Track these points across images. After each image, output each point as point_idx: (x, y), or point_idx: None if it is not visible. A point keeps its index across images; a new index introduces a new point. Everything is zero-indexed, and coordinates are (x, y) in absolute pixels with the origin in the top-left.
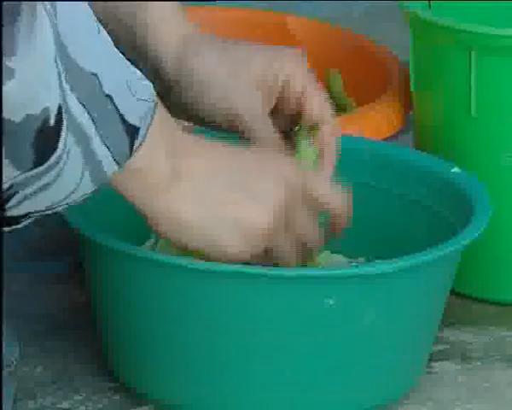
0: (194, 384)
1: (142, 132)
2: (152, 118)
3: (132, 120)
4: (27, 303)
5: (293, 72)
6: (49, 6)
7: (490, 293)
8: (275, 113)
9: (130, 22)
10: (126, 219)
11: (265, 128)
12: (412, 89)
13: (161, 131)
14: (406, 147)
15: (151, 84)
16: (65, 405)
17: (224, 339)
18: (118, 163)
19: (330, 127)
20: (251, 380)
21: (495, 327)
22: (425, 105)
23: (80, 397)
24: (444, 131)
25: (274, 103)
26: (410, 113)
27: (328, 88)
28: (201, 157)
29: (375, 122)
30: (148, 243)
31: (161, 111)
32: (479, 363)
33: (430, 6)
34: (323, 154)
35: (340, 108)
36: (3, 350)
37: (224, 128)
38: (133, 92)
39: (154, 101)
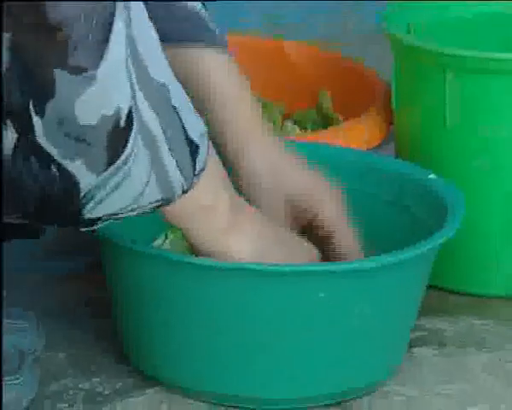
0: (196, 367)
1: (202, 152)
2: (209, 143)
3: (193, 135)
4: (47, 298)
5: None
6: (123, 15)
7: (463, 286)
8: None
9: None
10: (133, 220)
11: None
12: (394, 104)
13: (222, 173)
14: (388, 156)
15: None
16: (86, 385)
17: (226, 326)
18: (185, 178)
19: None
20: (250, 362)
21: (467, 316)
22: (405, 119)
23: (98, 379)
24: (421, 141)
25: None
26: (392, 126)
27: (319, 104)
28: (255, 215)
29: (361, 134)
30: (155, 243)
31: (214, 153)
32: (453, 348)
33: (410, 30)
34: None
35: (328, 123)
36: (29, 338)
37: None
38: (193, 111)
39: (206, 129)
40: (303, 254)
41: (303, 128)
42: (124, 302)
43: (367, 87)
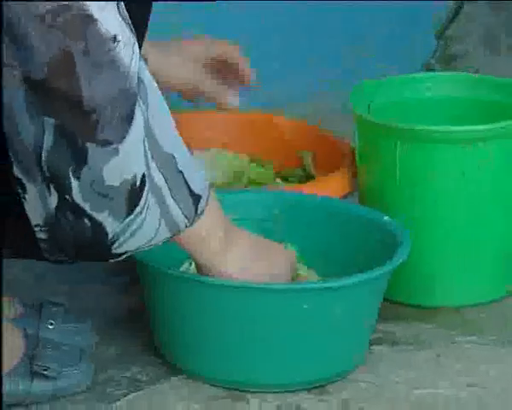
0: (210, 359)
1: (202, 201)
2: (209, 192)
3: (196, 189)
4: (101, 305)
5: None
6: (142, 102)
7: (411, 299)
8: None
9: None
10: (163, 248)
11: (207, 83)
12: (357, 164)
13: (218, 212)
14: (353, 203)
15: (203, 171)
16: (127, 374)
17: (231, 328)
18: (187, 219)
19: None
20: (251, 355)
21: (414, 322)
22: (366, 176)
23: (137, 369)
24: (378, 193)
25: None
26: (356, 180)
27: (303, 163)
28: (241, 234)
29: (334, 186)
30: (183, 267)
31: (215, 198)
32: (403, 346)
33: (369, 108)
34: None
35: (310, 177)
36: (85, 338)
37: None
38: (200, 173)
39: (208, 182)
40: (283, 259)
41: (291, 182)
42: (155, 309)
43: (338, 151)
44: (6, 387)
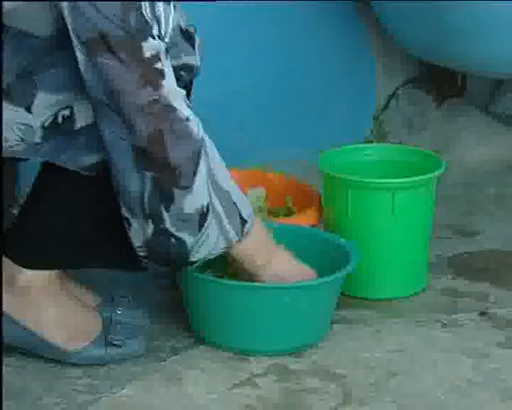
0: (223, 332)
1: (248, 224)
2: (253, 219)
3: (244, 215)
4: (152, 298)
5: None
6: (205, 155)
7: (358, 293)
8: None
9: None
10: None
11: None
12: (323, 204)
13: (262, 235)
14: (320, 230)
15: (249, 203)
16: (169, 344)
17: (242, 312)
18: (237, 236)
19: None
20: (254, 329)
21: (360, 309)
22: (328, 212)
23: (176, 340)
24: (336, 223)
25: None
26: (322, 215)
27: (285, 204)
28: (277, 253)
29: (307, 219)
30: (206, 273)
31: (260, 224)
32: (353, 325)
33: (330, 167)
34: None
35: (291, 213)
36: (142, 320)
37: None
38: (245, 201)
39: (252, 213)
40: (305, 273)
41: (276, 216)
42: (190, 301)
43: (310, 196)
44: (89, 352)
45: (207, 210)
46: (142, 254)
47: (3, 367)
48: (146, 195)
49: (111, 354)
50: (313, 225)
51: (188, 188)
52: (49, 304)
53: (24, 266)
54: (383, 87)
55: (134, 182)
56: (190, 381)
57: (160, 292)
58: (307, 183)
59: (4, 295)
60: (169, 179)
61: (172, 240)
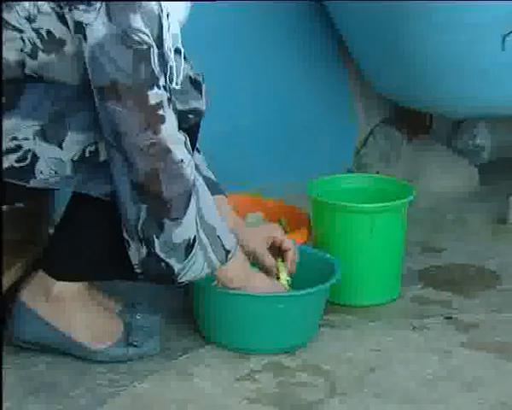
0: (226, 334)
1: (231, 254)
2: (236, 249)
3: (227, 246)
4: (165, 304)
5: (279, 235)
6: (195, 195)
7: (341, 301)
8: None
9: None
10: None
11: (268, 259)
12: (312, 225)
13: (241, 262)
14: (310, 247)
15: (235, 237)
16: (180, 344)
17: (242, 317)
18: (220, 262)
19: (292, 253)
20: (253, 331)
21: (343, 314)
22: (317, 232)
23: (186, 341)
24: (324, 241)
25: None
26: (312, 234)
27: (280, 223)
28: (253, 276)
29: (299, 237)
30: (212, 284)
31: (241, 252)
32: (337, 329)
33: (319, 193)
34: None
35: (285, 232)
36: (155, 322)
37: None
38: (230, 235)
39: (236, 244)
40: (277, 288)
41: None
42: (198, 307)
43: (301, 218)
44: (112, 351)
45: (194, 241)
46: (138, 271)
47: (38, 364)
48: (141, 222)
49: (131, 353)
50: (304, 243)
51: (178, 220)
52: (79, 310)
53: (57, 279)
54: (363, 126)
55: (132, 211)
56: (199, 376)
57: (172, 299)
58: (299, 207)
59: (41, 303)
60: (161, 211)
61: (162, 264)
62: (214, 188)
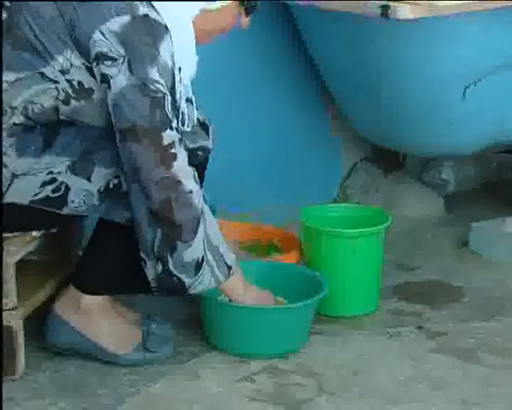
0: (228, 340)
1: (232, 269)
2: (236, 266)
3: (229, 264)
4: (176, 313)
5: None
6: (203, 219)
7: (328, 312)
8: None
9: None
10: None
11: None
12: (303, 247)
13: (239, 276)
14: (301, 266)
15: (233, 253)
16: (189, 349)
17: (243, 327)
18: (225, 278)
19: None
20: (253, 339)
21: (329, 324)
22: (307, 253)
23: (194, 347)
24: (312, 261)
25: None
26: (302, 255)
27: (275, 244)
28: (249, 288)
29: (292, 258)
30: (221, 297)
31: (239, 267)
32: (325, 336)
33: (308, 219)
34: None
35: (278, 251)
36: (168, 331)
37: None
38: (231, 253)
39: (235, 259)
40: (270, 300)
41: (268, 252)
42: (205, 317)
43: (293, 240)
44: (132, 356)
45: (202, 261)
46: (153, 285)
47: (69, 367)
48: (156, 243)
49: (147, 358)
50: (296, 263)
51: (188, 242)
52: (103, 321)
53: (85, 293)
54: (346, 163)
55: (148, 234)
56: (205, 377)
57: (182, 310)
58: (292, 232)
59: (72, 315)
60: (174, 234)
61: (175, 278)
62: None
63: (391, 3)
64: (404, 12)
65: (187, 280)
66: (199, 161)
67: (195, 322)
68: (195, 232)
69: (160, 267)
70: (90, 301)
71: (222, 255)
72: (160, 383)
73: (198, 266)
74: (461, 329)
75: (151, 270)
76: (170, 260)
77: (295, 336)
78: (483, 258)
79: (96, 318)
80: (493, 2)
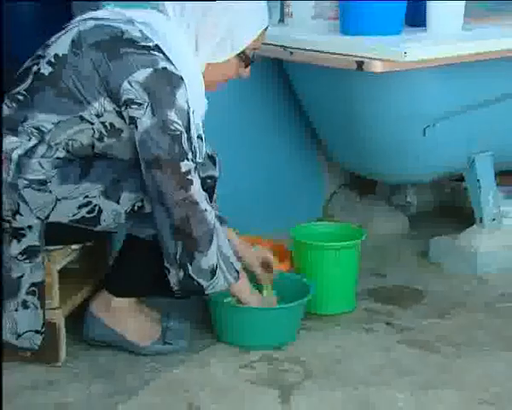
0: (235, 336)
1: (239, 273)
2: (242, 271)
3: (237, 268)
4: (191, 312)
5: (268, 255)
6: (216, 232)
7: (314, 310)
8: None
9: None
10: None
11: (259, 270)
12: (294, 259)
13: (245, 280)
14: (292, 273)
15: (239, 260)
16: (201, 343)
17: (245, 323)
18: (234, 280)
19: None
20: (252, 333)
21: (316, 321)
22: (297, 263)
23: (204, 340)
24: (302, 269)
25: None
26: (294, 264)
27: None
28: (254, 292)
29: (284, 267)
30: (227, 300)
31: (243, 271)
32: (313, 331)
33: (297, 235)
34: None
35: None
36: (184, 327)
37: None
38: (237, 261)
39: (241, 266)
40: (264, 302)
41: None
42: (214, 317)
43: (286, 253)
44: (154, 347)
45: (216, 267)
46: (176, 288)
47: (102, 356)
48: (178, 254)
49: (167, 349)
50: (288, 271)
51: (203, 252)
52: (130, 318)
53: (116, 295)
54: (328, 189)
55: (171, 246)
56: (213, 365)
57: (197, 310)
58: (285, 244)
59: (104, 313)
60: (192, 246)
61: (194, 283)
62: (224, 223)
63: (365, 60)
64: (376, 66)
65: (204, 283)
66: (208, 188)
67: (207, 321)
68: (210, 244)
69: (181, 274)
70: (119, 302)
71: (231, 262)
72: (177, 369)
73: (213, 271)
74: (422, 325)
75: (174, 276)
76: (190, 267)
77: (287, 332)
78: (440, 267)
79: (124, 316)
80: (450, 59)
